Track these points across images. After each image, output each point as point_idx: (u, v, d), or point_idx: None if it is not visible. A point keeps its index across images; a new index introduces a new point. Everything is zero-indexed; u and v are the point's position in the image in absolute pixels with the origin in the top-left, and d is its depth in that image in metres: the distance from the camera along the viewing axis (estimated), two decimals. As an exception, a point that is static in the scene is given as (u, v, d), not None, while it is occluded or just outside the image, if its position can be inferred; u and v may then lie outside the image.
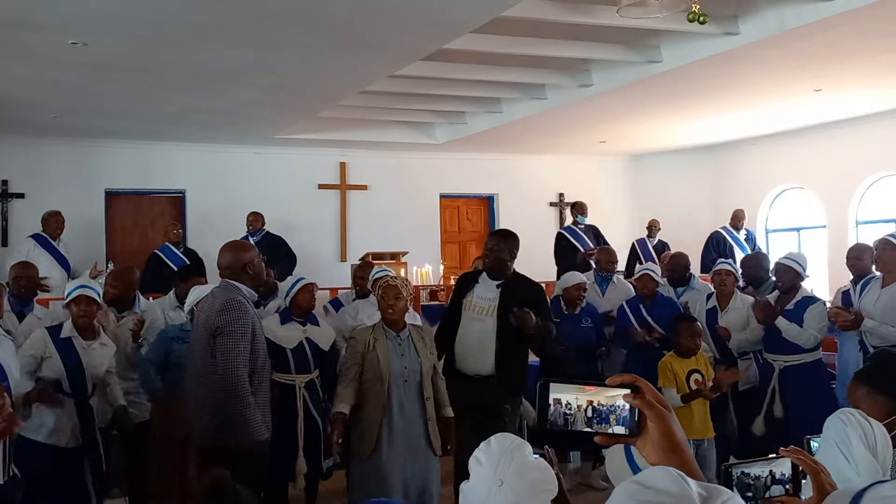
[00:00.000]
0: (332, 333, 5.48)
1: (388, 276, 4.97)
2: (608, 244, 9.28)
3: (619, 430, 1.19)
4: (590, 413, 1.20)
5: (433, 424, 4.48)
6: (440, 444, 4.51)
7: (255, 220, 9.54)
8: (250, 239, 9.38)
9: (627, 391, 1.19)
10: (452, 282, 9.43)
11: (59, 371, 4.47)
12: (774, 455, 2.08)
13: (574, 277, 6.42)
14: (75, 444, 4.52)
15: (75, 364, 4.53)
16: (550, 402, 1.21)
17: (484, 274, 5.09)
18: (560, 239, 9.68)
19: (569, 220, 10.50)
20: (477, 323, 4.93)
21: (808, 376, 5.58)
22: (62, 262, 8.38)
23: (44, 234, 8.43)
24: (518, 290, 4.96)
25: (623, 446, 2.33)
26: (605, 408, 1.20)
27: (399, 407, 4.37)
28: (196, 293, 5.16)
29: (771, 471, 2.04)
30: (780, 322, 5.60)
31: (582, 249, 9.42)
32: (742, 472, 2.02)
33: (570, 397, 1.20)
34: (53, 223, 8.45)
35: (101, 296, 4.91)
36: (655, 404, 1.18)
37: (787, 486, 2.03)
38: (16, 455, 3.65)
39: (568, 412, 1.20)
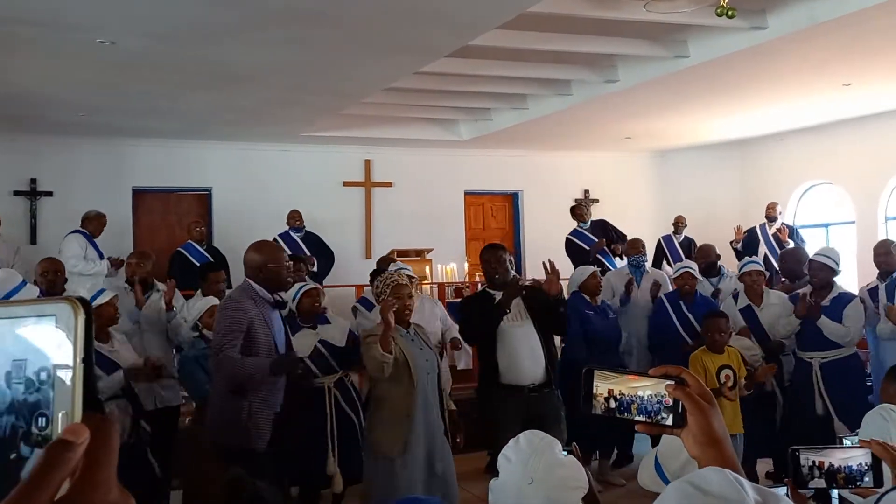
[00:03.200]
0: (345, 326, 5.47)
1: (393, 273, 4.82)
2: (620, 233, 9.27)
3: (641, 419, 1.19)
4: (612, 404, 1.20)
5: (446, 416, 4.53)
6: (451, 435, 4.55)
7: (299, 217, 9.59)
8: (293, 235, 9.45)
9: (670, 382, 1.19)
10: (478, 279, 9.45)
11: (101, 377, 4.55)
12: (850, 445, 2.04)
13: (586, 270, 6.45)
14: (132, 439, 4.66)
15: (110, 366, 4.60)
16: (595, 389, 1.21)
17: (489, 289, 5.12)
18: (568, 244, 9.63)
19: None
20: (517, 329, 4.95)
21: (844, 372, 5.54)
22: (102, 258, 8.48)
23: (87, 231, 8.47)
24: (529, 290, 5.11)
25: (654, 457, 2.35)
26: (626, 397, 1.20)
27: (424, 401, 4.35)
28: (199, 305, 5.28)
29: (815, 461, 2.01)
30: (823, 321, 5.53)
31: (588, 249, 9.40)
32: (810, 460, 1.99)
33: (636, 390, 1.20)
34: (96, 223, 8.49)
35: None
36: (695, 397, 1.16)
37: (866, 479, 1.99)
38: None
39: (627, 414, 1.21)
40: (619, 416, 1.20)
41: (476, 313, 5.08)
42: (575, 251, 9.44)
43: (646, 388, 1.19)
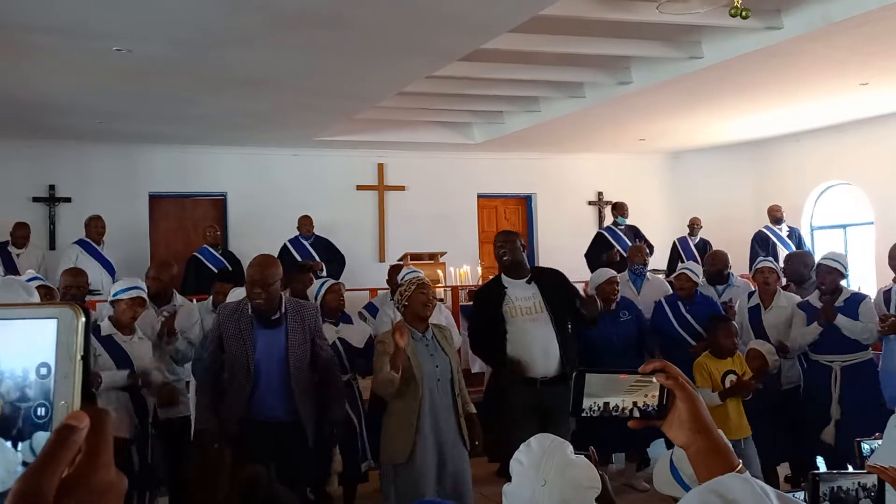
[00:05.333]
0: (367, 331, 5.51)
1: (417, 275, 4.89)
2: (649, 243, 9.22)
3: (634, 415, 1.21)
4: (636, 414, 1.21)
5: (463, 421, 4.44)
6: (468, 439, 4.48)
7: (310, 223, 9.60)
8: (303, 241, 9.48)
9: (659, 373, 1.20)
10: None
11: (111, 367, 4.57)
12: (864, 471, 2.04)
13: (605, 273, 6.38)
14: (128, 436, 4.61)
15: (124, 358, 4.65)
16: (585, 391, 1.22)
17: (504, 277, 5.00)
18: (599, 238, 9.63)
19: (609, 220, 10.47)
20: (531, 323, 4.81)
21: (862, 376, 5.49)
22: (107, 266, 8.56)
23: (87, 240, 8.66)
24: (548, 279, 4.99)
25: (669, 460, 2.33)
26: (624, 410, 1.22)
27: (432, 408, 4.29)
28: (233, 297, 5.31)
29: (860, 482, 2.01)
30: (841, 320, 5.48)
31: (619, 249, 9.36)
32: (836, 487, 1.99)
33: (616, 400, 1.22)
34: (94, 228, 8.67)
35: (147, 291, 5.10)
36: (687, 384, 1.19)
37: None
38: None
39: (615, 413, 1.22)
40: (610, 415, 1.22)
41: (486, 314, 4.99)
42: (600, 247, 9.47)
43: (644, 395, 1.21)
